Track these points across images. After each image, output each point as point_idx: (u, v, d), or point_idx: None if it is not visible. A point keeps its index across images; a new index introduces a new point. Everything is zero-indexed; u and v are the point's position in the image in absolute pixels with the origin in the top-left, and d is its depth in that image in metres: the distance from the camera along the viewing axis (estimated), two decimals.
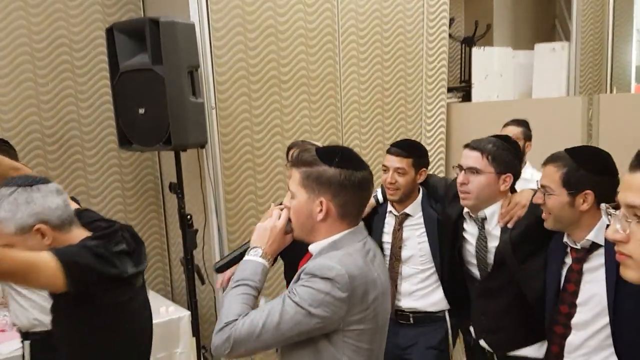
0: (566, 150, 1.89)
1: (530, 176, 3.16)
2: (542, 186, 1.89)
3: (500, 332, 2.23)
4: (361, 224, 1.62)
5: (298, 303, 1.42)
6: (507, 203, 2.16)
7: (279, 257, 2.15)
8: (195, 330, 3.09)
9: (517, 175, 2.21)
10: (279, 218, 1.61)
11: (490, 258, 2.21)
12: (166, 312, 3.10)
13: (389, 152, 2.53)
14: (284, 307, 1.43)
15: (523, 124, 3.54)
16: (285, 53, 3.67)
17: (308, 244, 1.60)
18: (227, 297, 1.52)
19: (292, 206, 1.56)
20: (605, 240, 1.75)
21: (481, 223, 2.24)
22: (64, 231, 1.68)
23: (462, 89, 5.23)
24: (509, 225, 2.14)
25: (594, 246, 1.85)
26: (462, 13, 5.51)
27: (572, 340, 1.90)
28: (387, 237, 2.62)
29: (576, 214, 1.83)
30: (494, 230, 2.20)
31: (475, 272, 2.30)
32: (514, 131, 3.39)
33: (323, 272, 1.43)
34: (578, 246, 1.87)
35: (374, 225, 2.66)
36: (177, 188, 3.04)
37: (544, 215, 1.91)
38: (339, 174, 1.50)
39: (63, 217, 1.67)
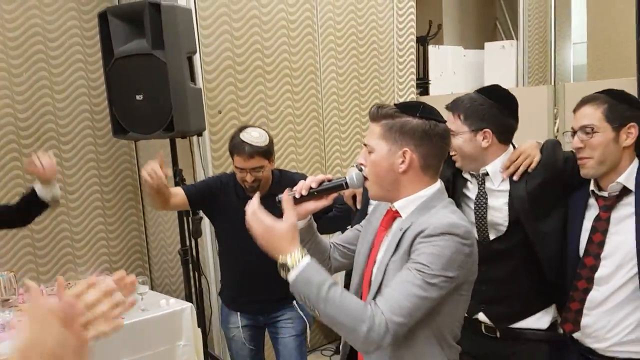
0: (599, 91, 1.85)
1: None
2: (583, 127, 1.81)
3: (504, 302, 2.02)
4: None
5: (437, 273, 1.37)
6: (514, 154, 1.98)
7: None
8: (201, 322, 3.01)
9: (500, 127, 1.96)
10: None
11: (493, 215, 2.00)
12: (167, 304, 2.99)
13: None
14: (421, 283, 1.37)
15: None
16: (269, 44, 3.68)
17: None
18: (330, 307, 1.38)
19: (370, 161, 1.52)
20: (636, 186, 1.79)
21: (482, 179, 2.02)
22: None
23: (419, 86, 5.42)
24: (515, 178, 1.96)
25: (624, 192, 1.81)
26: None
27: (594, 296, 1.85)
28: None
29: (619, 151, 1.79)
30: (500, 186, 2.00)
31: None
32: None
33: (450, 230, 1.40)
34: (606, 194, 1.83)
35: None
36: (180, 175, 2.96)
37: (582, 161, 1.83)
38: (423, 123, 1.47)
39: None
